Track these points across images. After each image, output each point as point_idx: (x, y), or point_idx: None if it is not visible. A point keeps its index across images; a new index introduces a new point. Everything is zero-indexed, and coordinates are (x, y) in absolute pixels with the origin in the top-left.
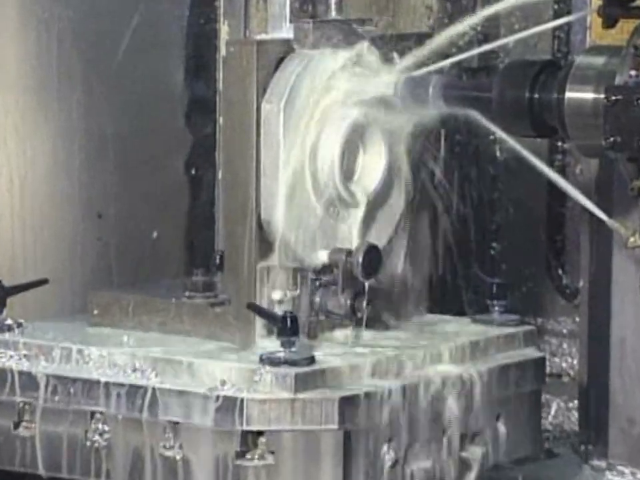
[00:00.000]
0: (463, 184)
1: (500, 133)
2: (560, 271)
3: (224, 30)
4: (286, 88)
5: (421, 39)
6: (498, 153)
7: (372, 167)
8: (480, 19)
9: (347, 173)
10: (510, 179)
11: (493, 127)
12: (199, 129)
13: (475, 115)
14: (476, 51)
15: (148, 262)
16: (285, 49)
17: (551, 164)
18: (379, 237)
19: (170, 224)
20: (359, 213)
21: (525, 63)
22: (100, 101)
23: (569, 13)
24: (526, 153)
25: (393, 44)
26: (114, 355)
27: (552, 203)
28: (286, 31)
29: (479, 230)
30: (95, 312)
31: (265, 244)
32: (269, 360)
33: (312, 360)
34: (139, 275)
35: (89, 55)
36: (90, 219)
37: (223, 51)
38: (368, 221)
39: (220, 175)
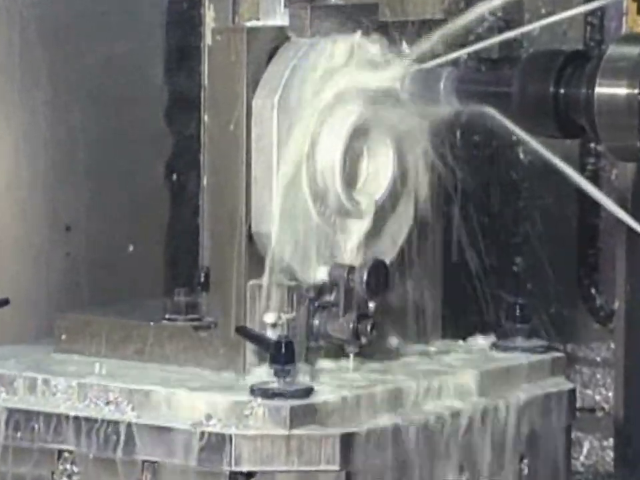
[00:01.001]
0: (480, 191)
1: (520, 134)
2: (593, 291)
3: (209, 16)
4: (280, 82)
5: (433, 25)
6: (521, 155)
7: (378, 172)
8: (501, 3)
9: (350, 179)
10: (535, 185)
11: (512, 127)
12: (181, 129)
13: (492, 113)
14: (495, 39)
15: (123, 280)
16: (279, 38)
17: (582, 168)
18: (385, 252)
19: (148, 237)
20: (363, 224)
21: (549, 53)
22: (68, 98)
23: None
24: (550, 156)
25: (400, 32)
26: (84, 386)
27: (584, 213)
28: (280, 17)
29: (500, 243)
30: (63, 337)
31: (256, 259)
32: (261, 391)
33: (310, 391)
34: (113, 294)
35: (55, 47)
36: (57, 231)
37: (208, 39)
38: (373, 233)
39: (205, 182)
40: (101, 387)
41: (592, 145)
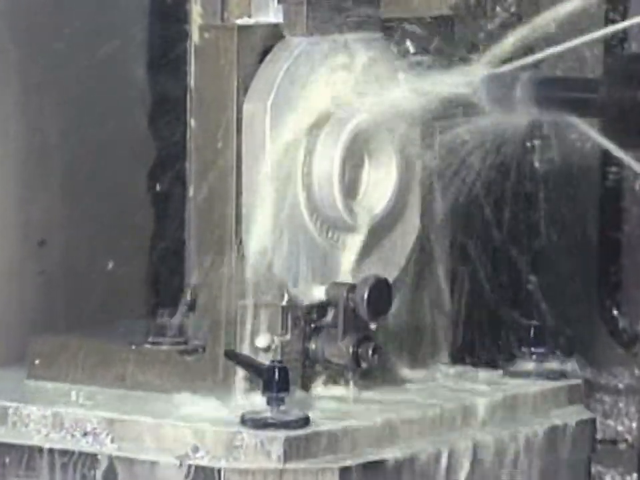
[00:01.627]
0: (491, 202)
1: (607, 145)
2: (615, 311)
3: (196, 12)
4: (273, 84)
5: (442, 22)
6: (537, 164)
7: (380, 182)
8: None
9: (349, 189)
10: (552, 196)
11: (597, 137)
12: (165, 135)
13: (575, 122)
14: (568, 44)
15: (101, 300)
16: (273, 36)
17: (604, 178)
18: (388, 269)
19: (129, 253)
20: (363, 239)
21: (639, 55)
22: (42, 101)
23: None
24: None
25: (404, 29)
26: (60, 416)
27: (605, 226)
28: (274, 14)
29: (512, 260)
30: (36, 362)
31: (247, 277)
32: (253, 421)
33: (305, 421)
34: (91, 315)
35: (28, 44)
36: (29, 247)
37: (195, 38)
38: (375, 248)
39: (191, 192)
40: (78, 417)
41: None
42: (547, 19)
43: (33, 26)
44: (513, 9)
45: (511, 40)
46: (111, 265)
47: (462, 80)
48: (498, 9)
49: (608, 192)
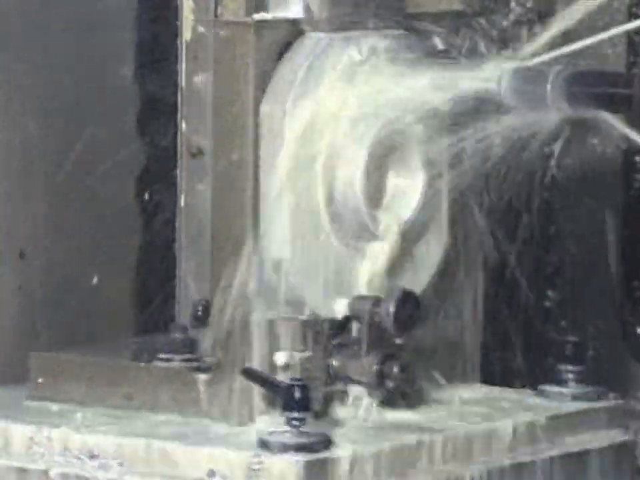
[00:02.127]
0: (506, 213)
1: None
2: (638, 330)
3: (187, 6)
4: (292, 84)
5: (455, 17)
6: (554, 171)
7: (406, 189)
8: None
9: (374, 196)
10: (570, 207)
11: (632, 135)
12: (154, 138)
13: (608, 119)
14: (599, 36)
15: (86, 316)
16: (292, 33)
17: (627, 185)
18: (415, 281)
19: (116, 266)
20: (389, 249)
21: None
22: (23, 102)
23: None
24: None
25: (430, 25)
26: (65, 438)
27: (627, 239)
28: (293, 9)
29: (528, 274)
30: (39, 380)
31: (264, 289)
32: (271, 443)
33: (327, 443)
34: (74, 333)
35: (7, 44)
36: (9, 260)
37: (186, 34)
38: (401, 259)
39: (182, 201)
40: (83, 440)
41: (637, 158)
42: (574, 15)
43: (13, 26)
44: (528, 4)
45: (543, 36)
46: (95, 280)
47: (486, 76)
48: (513, 3)
49: (631, 201)
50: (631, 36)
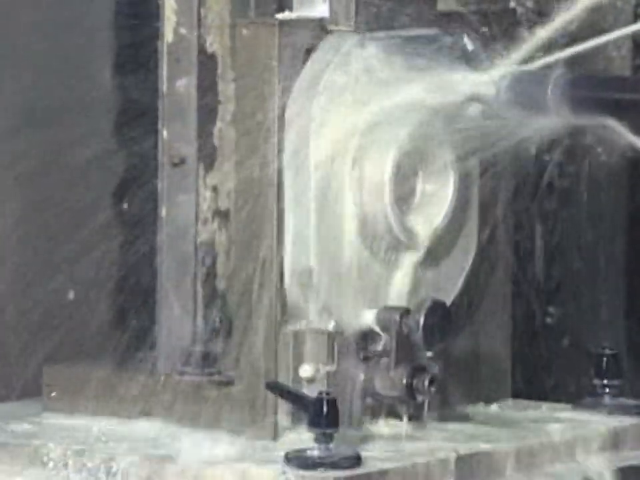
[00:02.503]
0: (506, 223)
1: None
2: None
3: (169, 6)
4: (318, 87)
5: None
6: (557, 181)
7: (436, 195)
8: None
9: (402, 203)
10: (574, 217)
11: (638, 143)
12: (133, 145)
13: (614, 126)
14: (598, 40)
15: (61, 333)
16: (318, 33)
17: (632, 194)
18: (445, 292)
19: (93, 281)
20: (418, 258)
21: None
22: None
23: None
24: None
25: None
26: (82, 453)
27: (634, 250)
28: (319, 8)
29: (529, 288)
30: (53, 394)
31: (290, 301)
32: (298, 460)
33: (357, 460)
34: (48, 351)
35: None
36: None
37: (168, 36)
38: (431, 268)
39: (164, 211)
40: (102, 454)
41: None
42: (574, 15)
43: None
44: (529, 4)
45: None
46: (71, 295)
47: (485, 79)
48: (512, 3)
49: (637, 210)
50: (636, 38)
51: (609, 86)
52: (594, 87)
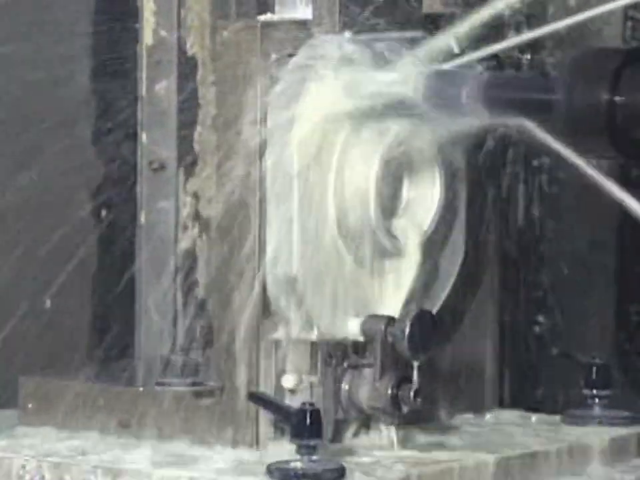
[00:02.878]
0: (491, 230)
1: (565, 153)
2: (636, 359)
3: (148, 8)
4: (300, 90)
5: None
6: (546, 187)
7: (422, 201)
8: None
9: (388, 209)
10: (563, 225)
11: (555, 145)
12: (112, 151)
13: (530, 127)
14: (517, 39)
15: (37, 342)
16: (300, 35)
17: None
18: (431, 300)
19: (71, 290)
20: (404, 265)
21: (602, 52)
22: None
23: None
24: (603, 180)
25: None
26: (58, 466)
27: (624, 260)
28: (301, 9)
29: (517, 297)
30: (29, 405)
31: (272, 309)
32: (281, 472)
33: (340, 472)
34: (25, 361)
35: None
36: None
37: (147, 38)
38: (417, 276)
39: (142, 218)
40: (78, 468)
41: (634, 172)
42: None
43: None
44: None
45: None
46: (48, 304)
47: (400, 78)
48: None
49: (628, 218)
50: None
51: (523, 86)
52: (509, 87)
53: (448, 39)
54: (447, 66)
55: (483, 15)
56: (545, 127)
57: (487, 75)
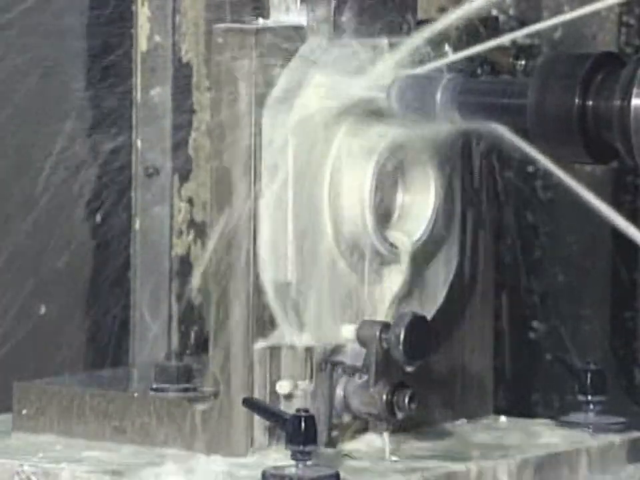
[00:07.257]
0: (488, 236)
1: (537, 157)
2: (631, 365)
3: (143, 13)
4: (295, 96)
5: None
6: (540, 193)
7: (416, 207)
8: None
9: (382, 216)
10: (558, 230)
11: (526, 149)
12: (106, 157)
13: (502, 131)
14: (497, 40)
15: (32, 349)
16: (295, 40)
17: (617, 208)
18: (426, 306)
19: (65, 295)
20: (399, 271)
21: (573, 56)
22: None
23: None
24: (574, 185)
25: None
26: (54, 475)
27: (619, 266)
28: (296, 14)
29: (512, 302)
30: (24, 412)
31: (266, 315)
32: (276, 478)
33: (336, 478)
34: (18, 369)
35: None
36: None
37: (142, 45)
38: (411, 282)
39: (137, 223)
40: (75, 476)
41: (629, 178)
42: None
43: None
44: (511, 11)
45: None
46: (43, 310)
47: (376, 83)
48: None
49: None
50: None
51: (496, 91)
52: (482, 92)
53: (421, 43)
54: (420, 70)
55: (453, 17)
56: (518, 132)
57: (460, 79)
